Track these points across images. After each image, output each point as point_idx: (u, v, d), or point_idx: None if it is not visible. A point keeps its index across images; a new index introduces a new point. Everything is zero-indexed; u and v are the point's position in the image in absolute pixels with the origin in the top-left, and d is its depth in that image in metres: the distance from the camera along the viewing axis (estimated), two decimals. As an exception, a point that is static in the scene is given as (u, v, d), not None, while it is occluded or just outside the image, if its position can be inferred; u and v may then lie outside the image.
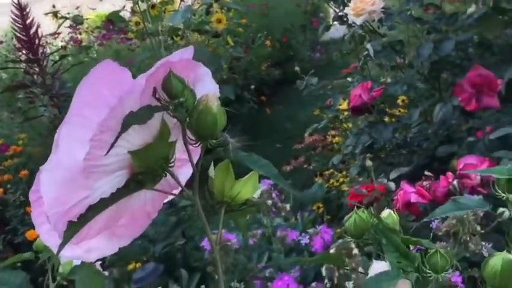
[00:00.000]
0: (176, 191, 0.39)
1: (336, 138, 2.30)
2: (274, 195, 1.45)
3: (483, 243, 0.81)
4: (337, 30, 2.20)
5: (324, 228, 1.29)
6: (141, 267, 1.56)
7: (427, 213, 0.54)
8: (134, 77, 0.34)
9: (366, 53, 1.67)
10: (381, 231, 0.45)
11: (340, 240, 0.76)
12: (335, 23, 1.89)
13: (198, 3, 2.08)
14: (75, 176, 0.32)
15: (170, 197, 0.40)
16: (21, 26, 1.84)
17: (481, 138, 1.32)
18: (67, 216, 0.33)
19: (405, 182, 1.15)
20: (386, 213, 0.49)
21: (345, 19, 1.76)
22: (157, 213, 0.40)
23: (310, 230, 1.30)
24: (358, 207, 0.50)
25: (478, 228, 0.81)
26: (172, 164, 0.37)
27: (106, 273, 1.39)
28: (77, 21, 2.59)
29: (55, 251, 0.33)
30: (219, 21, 2.08)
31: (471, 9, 1.57)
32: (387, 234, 0.45)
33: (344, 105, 1.95)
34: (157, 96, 0.35)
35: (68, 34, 3.88)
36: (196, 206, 0.38)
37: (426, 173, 1.14)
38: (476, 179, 1.02)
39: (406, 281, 0.43)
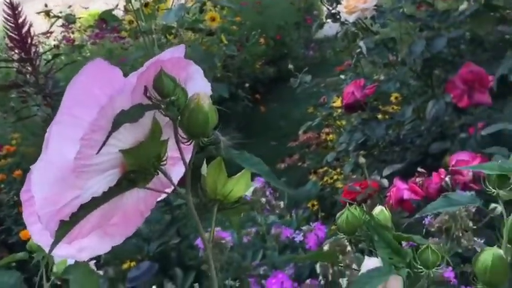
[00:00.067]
0: (169, 190, 0.39)
1: (330, 136, 2.31)
2: (268, 193, 1.45)
3: (475, 238, 0.82)
4: (330, 28, 2.21)
5: (317, 225, 1.29)
6: (136, 266, 1.56)
7: (420, 210, 0.55)
8: (127, 76, 0.34)
9: (358, 50, 1.68)
10: (373, 228, 0.45)
11: (333, 237, 0.76)
12: (328, 20, 1.89)
13: (192, 1, 2.07)
14: (66, 175, 0.32)
15: (163, 196, 0.40)
16: (13, 25, 1.83)
17: (473, 135, 1.33)
18: (58, 215, 0.33)
19: (398, 178, 1.15)
20: (378, 209, 0.49)
21: (338, 17, 1.77)
22: (150, 212, 0.40)
23: (304, 228, 1.30)
24: (351, 204, 0.50)
25: (471, 224, 0.81)
26: (164, 163, 0.37)
27: (101, 272, 1.39)
28: (70, 20, 2.58)
29: (47, 250, 0.33)
30: (212, 19, 2.08)
31: (463, 6, 1.58)
32: (379, 230, 0.45)
33: (338, 103, 1.95)
34: (148, 94, 0.35)
35: (61, 33, 3.87)
36: (189, 204, 0.38)
37: (419, 169, 1.15)
38: (469, 175, 1.03)
39: (398, 277, 0.43)
